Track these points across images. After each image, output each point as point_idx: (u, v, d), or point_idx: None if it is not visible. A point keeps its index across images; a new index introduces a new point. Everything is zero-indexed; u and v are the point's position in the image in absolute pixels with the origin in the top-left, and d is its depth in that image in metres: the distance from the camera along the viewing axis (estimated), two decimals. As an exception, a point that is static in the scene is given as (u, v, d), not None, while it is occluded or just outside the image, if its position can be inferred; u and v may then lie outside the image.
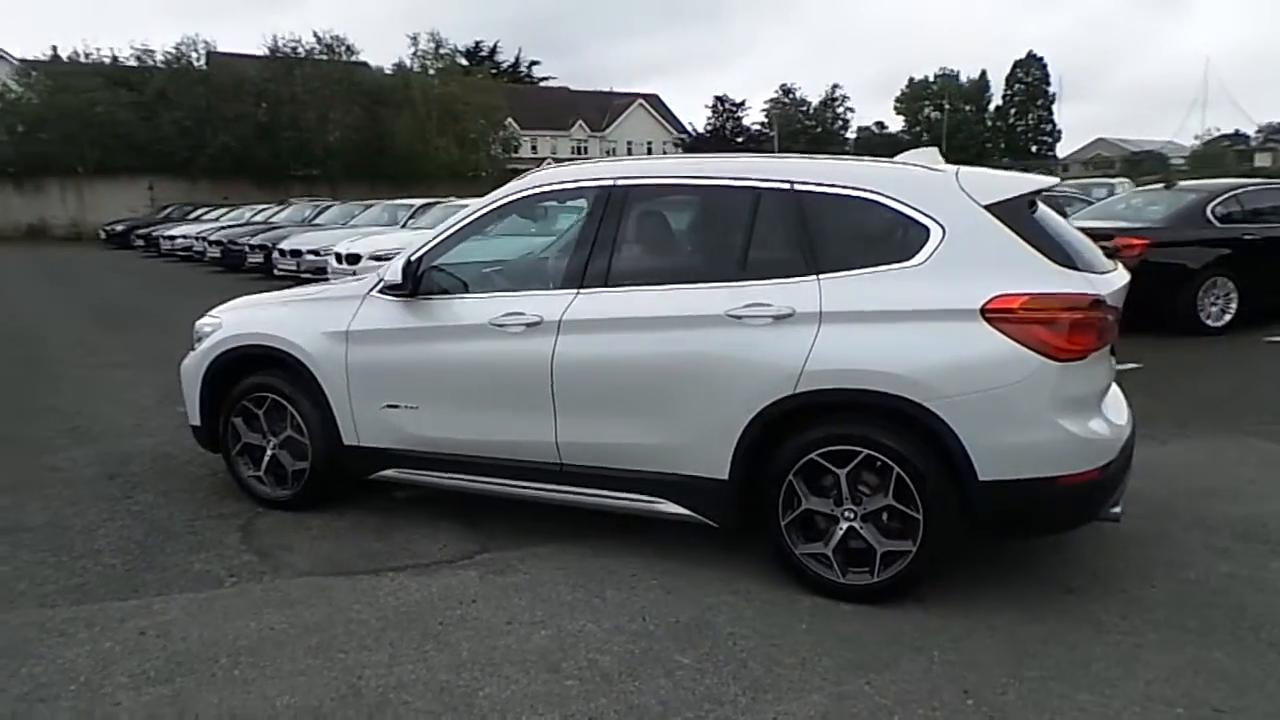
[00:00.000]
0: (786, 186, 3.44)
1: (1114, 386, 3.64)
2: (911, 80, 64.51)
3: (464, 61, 62.08)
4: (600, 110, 62.00)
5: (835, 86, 53.68)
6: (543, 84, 70.44)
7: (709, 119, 58.05)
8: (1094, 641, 3.03)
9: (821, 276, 3.30)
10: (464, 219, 3.99)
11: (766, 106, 53.15)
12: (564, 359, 3.60)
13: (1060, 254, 3.15)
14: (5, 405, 6.70)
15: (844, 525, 3.28)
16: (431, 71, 39.79)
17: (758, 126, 54.76)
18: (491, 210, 3.96)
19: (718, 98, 57.28)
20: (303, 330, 4.14)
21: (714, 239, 3.59)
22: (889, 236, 3.30)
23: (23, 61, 36.73)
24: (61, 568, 3.63)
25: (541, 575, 3.59)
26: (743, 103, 56.70)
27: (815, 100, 53.21)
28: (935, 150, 3.87)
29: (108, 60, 37.57)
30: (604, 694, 2.72)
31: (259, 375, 4.25)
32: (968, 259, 3.17)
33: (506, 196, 3.96)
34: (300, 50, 37.41)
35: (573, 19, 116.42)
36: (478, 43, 68.69)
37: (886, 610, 3.24)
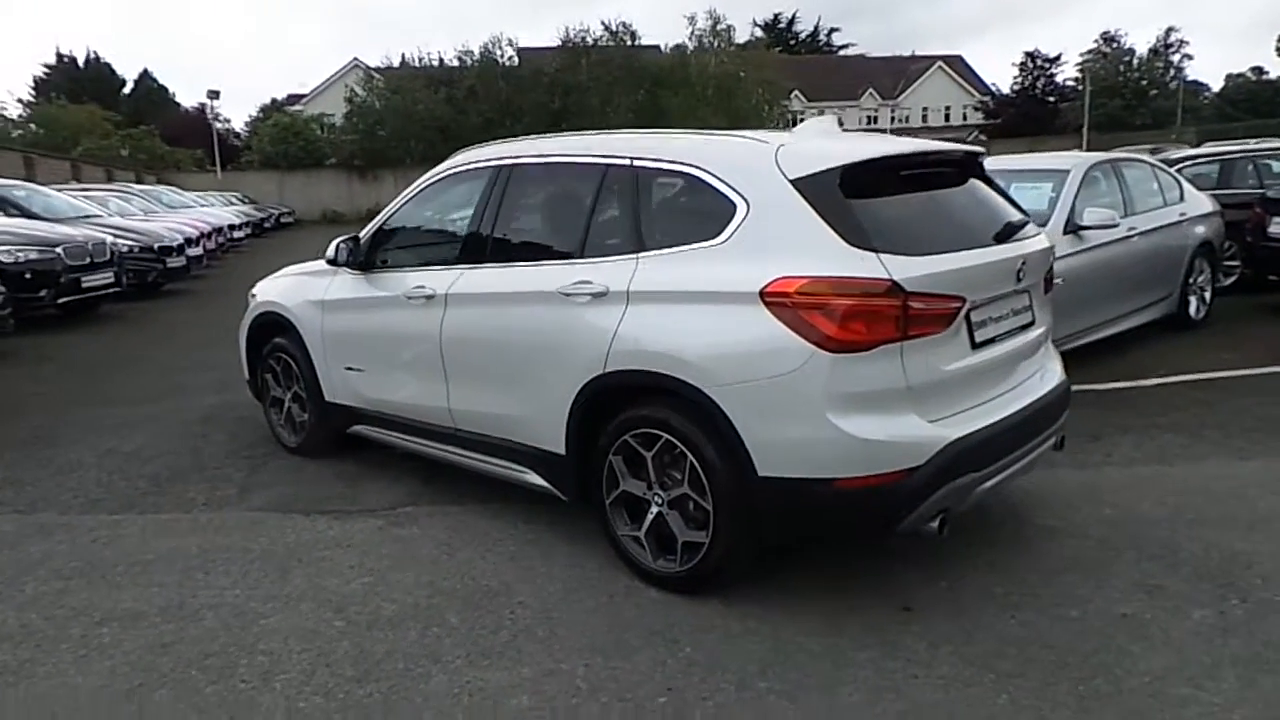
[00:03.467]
0: (626, 163, 3.39)
1: (1006, 381, 3.16)
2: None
3: (760, 34, 62.65)
4: (895, 76, 59.03)
5: (1170, 30, 45.87)
6: (840, 52, 68.63)
7: (1016, 78, 52.69)
8: (867, 666, 2.72)
9: (641, 255, 3.24)
10: (400, 200, 4.37)
11: (1082, 60, 46.99)
12: (448, 331, 3.86)
13: (858, 233, 2.80)
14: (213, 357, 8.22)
15: (654, 510, 3.22)
16: (707, 49, 40.51)
17: (1071, 83, 48.72)
18: (420, 192, 4.30)
19: (1028, 54, 51.59)
20: (296, 299, 4.80)
21: (567, 217, 3.61)
22: (704, 214, 3.13)
23: (370, 69, 43.21)
24: (103, 484, 4.61)
25: (429, 530, 3.90)
26: (1057, 57, 50.64)
27: (1144, 48, 46.11)
28: (833, 119, 3.54)
29: (435, 63, 42.88)
30: (351, 637, 2.99)
31: (277, 338, 4.98)
32: (765, 238, 2.95)
33: (430, 178, 4.27)
34: (589, 39, 40.02)
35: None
36: (776, 15, 68.66)
37: (685, 601, 3.15)
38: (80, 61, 62.77)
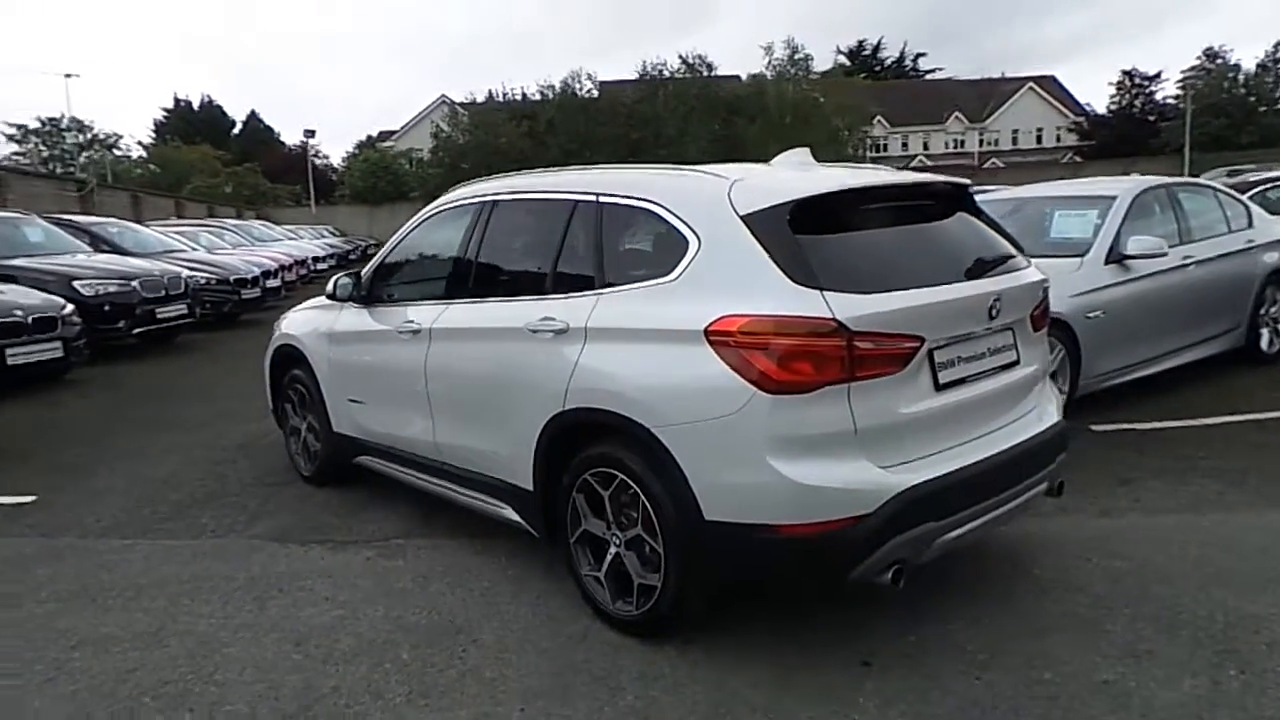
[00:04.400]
0: (593, 199, 3.38)
1: (975, 424, 3.00)
2: None
3: (845, 61, 62.14)
4: (983, 99, 57.60)
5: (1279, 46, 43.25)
6: (927, 76, 67.48)
7: (1112, 98, 50.56)
8: (807, 721, 2.59)
9: (601, 291, 3.21)
10: (400, 234, 4.47)
11: (1183, 77, 44.74)
12: (432, 365, 3.91)
13: (804, 271, 2.70)
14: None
15: (613, 550, 3.17)
16: (786, 78, 40.39)
17: (1171, 101, 46.42)
18: (416, 227, 4.39)
19: (1125, 72, 49.48)
20: (309, 332, 4.94)
21: (538, 252, 3.61)
22: (660, 250, 3.09)
23: (456, 104, 44.63)
24: (127, 510, 4.81)
25: (414, 563, 3.93)
26: (1156, 75, 48.40)
27: (1251, 64, 43.55)
28: (806, 151, 3.45)
29: (518, 98, 43.99)
30: (304, 671, 3.02)
31: (294, 369, 5.14)
32: (714, 275, 2.88)
33: (425, 213, 4.36)
34: (665, 72, 40.42)
35: (971, 6, 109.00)
36: (860, 41, 68.04)
37: (639, 645, 3.07)
38: (196, 105, 67.06)
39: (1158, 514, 4.10)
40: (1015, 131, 56.67)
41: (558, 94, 42.11)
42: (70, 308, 8.54)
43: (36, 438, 6.51)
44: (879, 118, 53.61)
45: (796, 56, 40.48)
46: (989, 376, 3.09)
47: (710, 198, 2.98)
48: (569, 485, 3.26)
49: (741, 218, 2.86)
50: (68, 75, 50.70)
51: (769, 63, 40.66)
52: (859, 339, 2.65)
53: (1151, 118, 47.85)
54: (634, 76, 42.30)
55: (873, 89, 51.66)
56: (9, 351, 7.72)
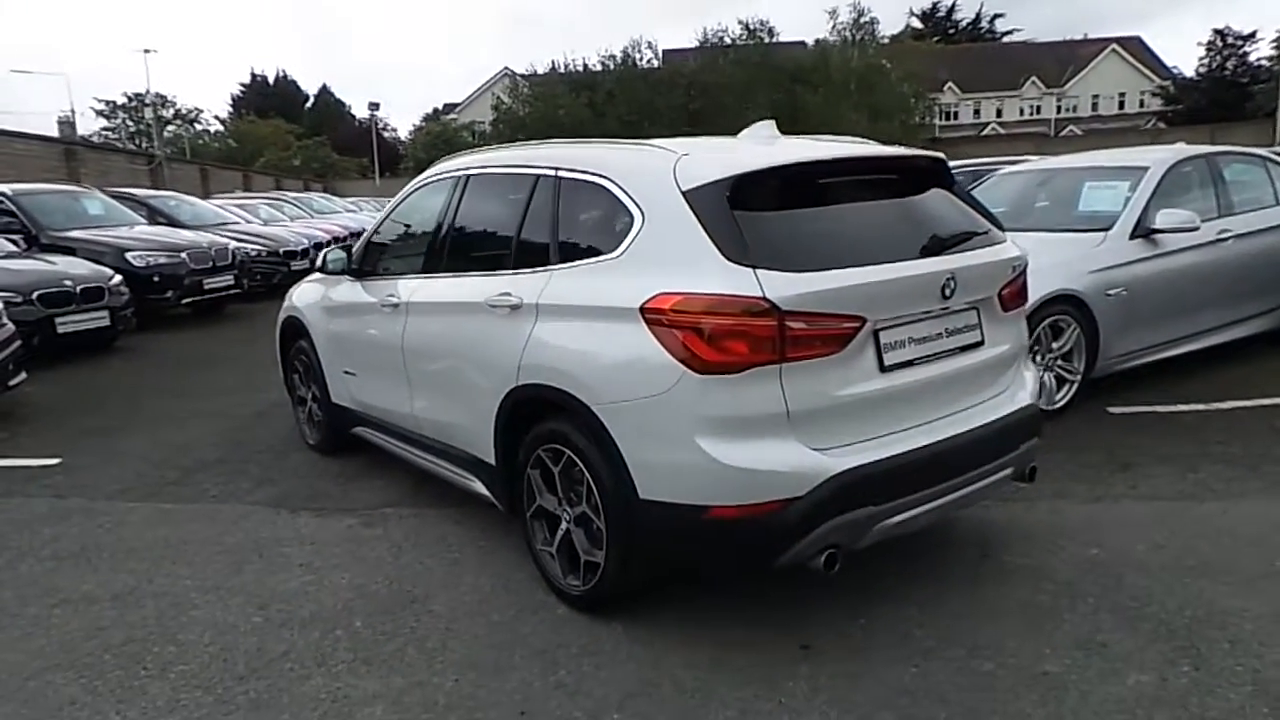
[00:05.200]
0: (552, 174, 3.36)
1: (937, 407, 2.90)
2: None
3: (918, 25, 60.12)
4: (1061, 63, 55.09)
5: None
6: (1003, 39, 64.86)
7: (1202, 60, 47.79)
8: (733, 706, 2.59)
9: (554, 268, 3.20)
10: (389, 208, 4.53)
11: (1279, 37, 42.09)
12: (408, 339, 3.97)
13: (739, 248, 2.64)
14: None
15: (564, 526, 3.18)
16: (851, 43, 39.36)
17: (1267, 63, 43.68)
18: (403, 200, 4.44)
19: (1217, 32, 46.69)
20: (310, 304, 5.05)
21: (503, 227, 3.60)
22: (610, 226, 3.05)
23: (518, 76, 44.76)
24: (140, 474, 5.02)
25: (392, 532, 4.01)
26: (1251, 35, 45.54)
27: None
28: (772, 123, 3.36)
29: (580, 69, 43.86)
30: (261, 635, 3.12)
31: (300, 340, 5.27)
32: (656, 251, 2.84)
33: (411, 186, 4.40)
34: (726, 39, 39.80)
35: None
36: (934, 4, 65.68)
37: (587, 621, 3.10)
38: (271, 80, 68.76)
39: (1153, 500, 3.92)
40: (1095, 97, 54.12)
41: (618, 64, 41.87)
42: (118, 278, 8.90)
43: (74, 403, 6.83)
44: (950, 84, 51.95)
45: (862, 20, 39.37)
46: (946, 358, 2.98)
47: (656, 173, 2.93)
48: (524, 460, 3.28)
49: (684, 193, 2.80)
50: (146, 51, 52.02)
51: (834, 27, 39.67)
52: (791, 319, 2.58)
53: (1244, 80, 45.15)
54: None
55: (944, 54, 50.01)
56: (58, 320, 8.10)
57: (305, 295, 5.21)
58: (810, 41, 42.30)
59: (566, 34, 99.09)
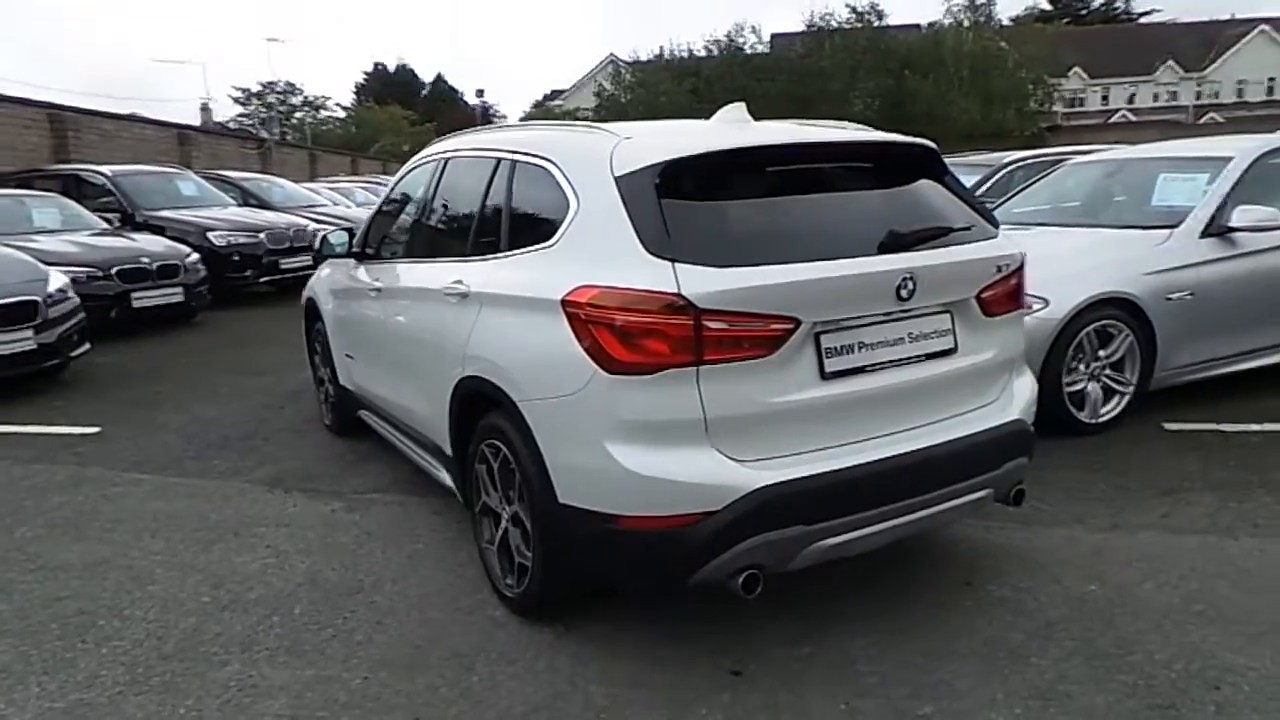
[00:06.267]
0: (509, 156, 3.22)
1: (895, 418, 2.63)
2: None
3: (1047, 7, 56.93)
4: (1204, 45, 51.11)
5: None
6: (1140, 19, 60.78)
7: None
8: (630, 727, 2.41)
9: (501, 255, 3.08)
10: (386, 192, 4.49)
11: None
12: (388, 323, 3.93)
13: (660, 239, 2.43)
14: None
15: (503, 524, 3.06)
16: (966, 26, 37.52)
17: None
18: (396, 184, 4.39)
19: (1388, 11, 42.63)
20: (323, 286, 5.09)
21: (465, 213, 3.48)
22: (551, 212, 2.88)
23: (623, 63, 44.78)
24: (164, 446, 5.18)
25: (369, 518, 3.99)
26: None
27: None
28: (742, 106, 3.12)
29: (685, 54, 43.51)
30: (203, 615, 3.13)
31: (317, 322, 5.33)
32: (585, 241, 2.68)
33: (403, 171, 4.34)
34: (834, 22, 38.63)
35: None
36: (1064, -17, 62.09)
37: (520, 625, 2.99)
38: (391, 69, 71.26)
39: (1180, 533, 3.49)
40: (1241, 82, 49.98)
41: (722, 49, 41.32)
42: (194, 256, 9.31)
43: (132, 375, 7.16)
44: (1076, 68, 49.00)
45: (979, 2, 37.48)
46: (907, 365, 2.69)
47: (593, 157, 2.75)
48: (472, 454, 3.18)
49: (616, 179, 2.62)
50: (270, 40, 54.76)
51: (947, 9, 37.93)
52: (710, 318, 2.37)
53: None
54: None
55: (1070, 36, 47.10)
56: (134, 295, 8.52)
57: (321, 278, 5.26)
58: (924, 25, 40.61)
59: (675, 19, 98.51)
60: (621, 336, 2.40)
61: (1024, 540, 3.46)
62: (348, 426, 5.15)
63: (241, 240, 10.66)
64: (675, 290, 2.35)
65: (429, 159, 4.07)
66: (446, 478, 3.61)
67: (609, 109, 41.53)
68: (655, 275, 2.39)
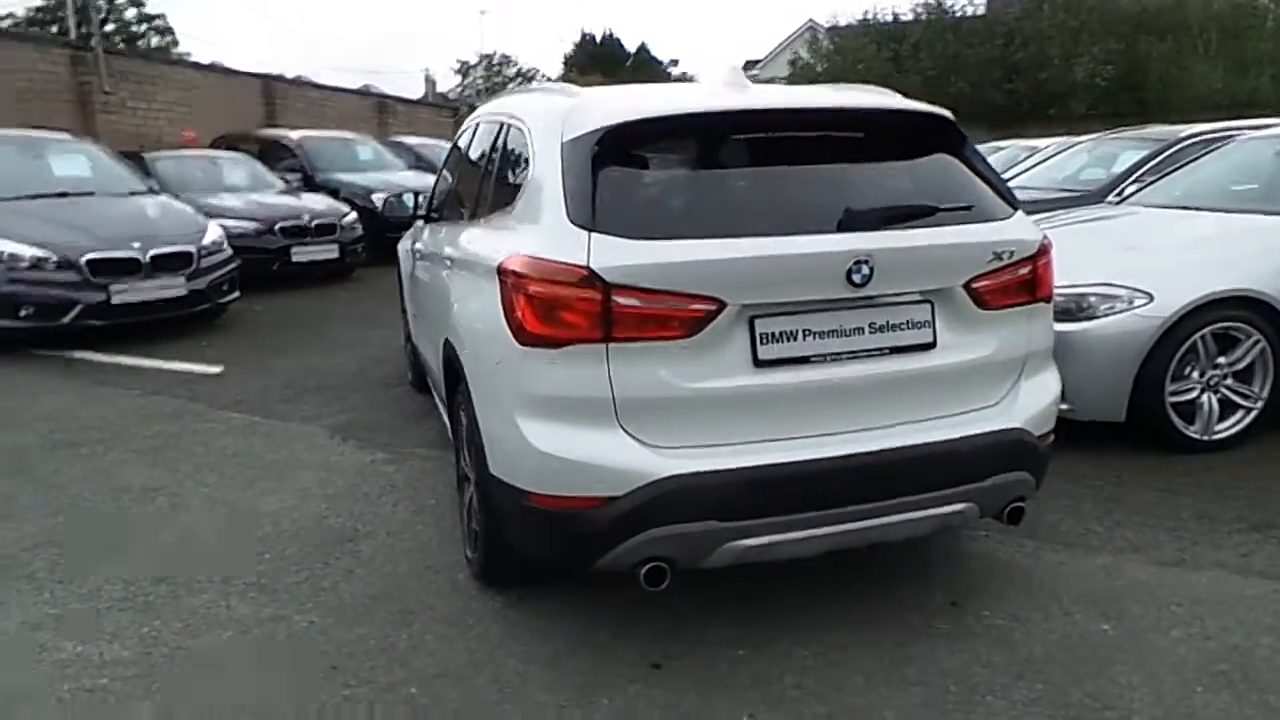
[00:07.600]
0: (507, 120, 3.18)
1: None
2: None
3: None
4: None
5: None
6: None
7: None
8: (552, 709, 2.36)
9: (481, 220, 3.07)
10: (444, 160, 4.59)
11: None
12: (421, 285, 4.05)
13: (583, 208, 2.30)
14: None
15: (469, 491, 3.07)
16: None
17: None
18: (452, 145, 4.45)
19: None
20: (402, 247, 5.29)
21: (475, 176, 3.47)
22: (519, 176, 2.82)
23: (822, 29, 43.26)
24: (266, 390, 5.60)
25: (403, 471, 4.15)
26: None
27: None
28: (738, 67, 2.87)
29: (889, 19, 41.37)
30: (206, 547, 3.38)
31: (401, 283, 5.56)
32: (531, 207, 2.59)
33: (457, 135, 4.39)
34: (1057, -19, 35.25)
35: None
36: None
37: (479, 591, 2.98)
38: (598, 39, 73.06)
39: (1252, 575, 2.93)
40: None
41: (931, 11, 38.89)
42: (352, 215, 10.00)
43: (274, 323, 7.83)
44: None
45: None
46: (866, 359, 2.40)
47: (551, 121, 2.65)
48: (454, 419, 3.21)
49: (562, 144, 2.51)
50: (482, 12, 57.59)
51: (1194, -37, 33.57)
52: (620, 293, 2.22)
53: None
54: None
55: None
56: (293, 250, 9.30)
57: (411, 236, 5.48)
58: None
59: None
60: (534, 307, 2.31)
61: (1053, 565, 3.04)
62: (422, 383, 5.37)
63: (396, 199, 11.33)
64: (584, 263, 2.23)
65: (468, 124, 4.11)
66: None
67: (801, 79, 40.35)
68: (570, 246, 2.28)
